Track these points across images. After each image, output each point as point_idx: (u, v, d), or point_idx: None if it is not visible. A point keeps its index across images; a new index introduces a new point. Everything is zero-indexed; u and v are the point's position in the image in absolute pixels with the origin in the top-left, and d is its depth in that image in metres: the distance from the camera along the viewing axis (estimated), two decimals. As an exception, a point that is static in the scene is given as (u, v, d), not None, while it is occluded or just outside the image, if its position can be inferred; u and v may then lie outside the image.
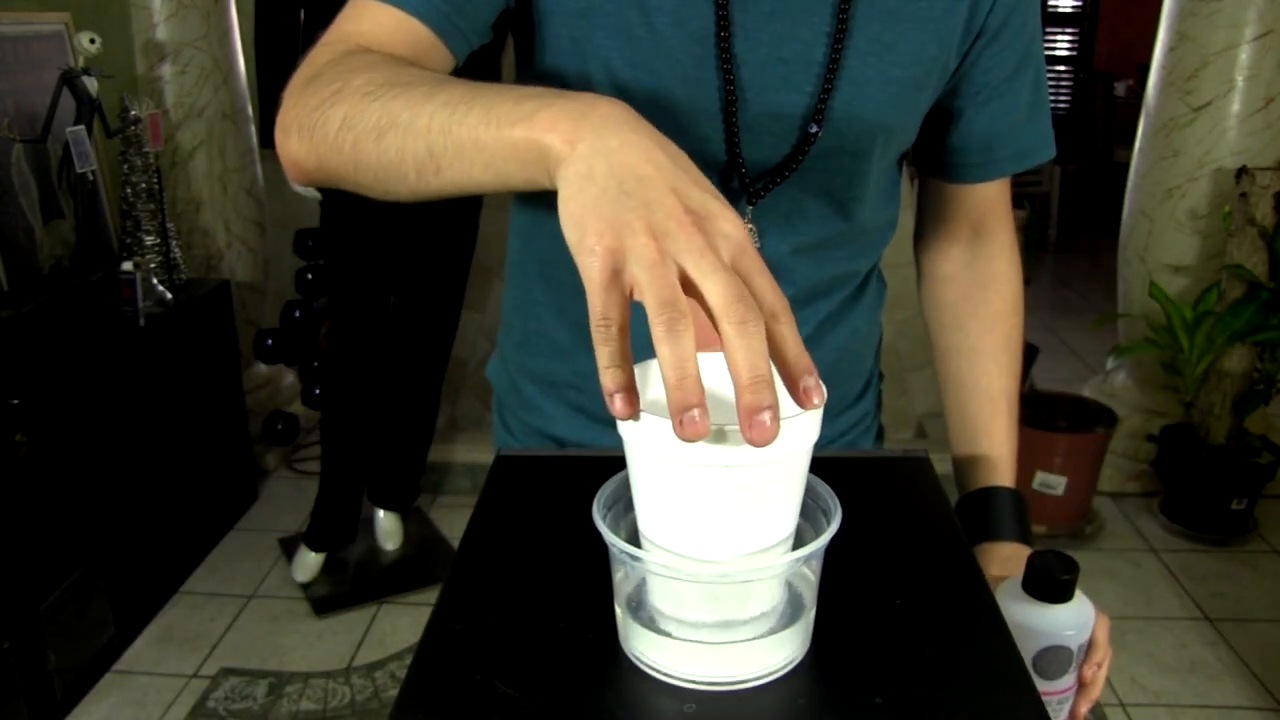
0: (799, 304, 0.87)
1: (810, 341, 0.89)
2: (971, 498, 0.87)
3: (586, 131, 0.49)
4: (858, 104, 0.77)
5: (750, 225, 0.80)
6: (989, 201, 0.91)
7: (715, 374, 0.50)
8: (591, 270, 0.45)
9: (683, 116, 0.75)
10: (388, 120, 0.56)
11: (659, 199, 0.46)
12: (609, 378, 0.44)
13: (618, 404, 0.44)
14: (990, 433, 0.89)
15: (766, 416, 0.41)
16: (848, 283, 0.90)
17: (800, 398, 0.45)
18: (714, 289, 0.43)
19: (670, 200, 0.46)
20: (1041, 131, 0.88)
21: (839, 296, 0.89)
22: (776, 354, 0.45)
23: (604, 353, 0.44)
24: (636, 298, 0.45)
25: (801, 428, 0.46)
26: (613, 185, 0.46)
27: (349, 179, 0.62)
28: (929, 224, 0.96)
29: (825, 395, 0.45)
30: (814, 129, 0.76)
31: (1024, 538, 0.83)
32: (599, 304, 0.44)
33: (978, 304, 0.92)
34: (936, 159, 0.90)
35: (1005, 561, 0.81)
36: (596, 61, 0.74)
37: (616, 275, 0.45)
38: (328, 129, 0.60)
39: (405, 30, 0.68)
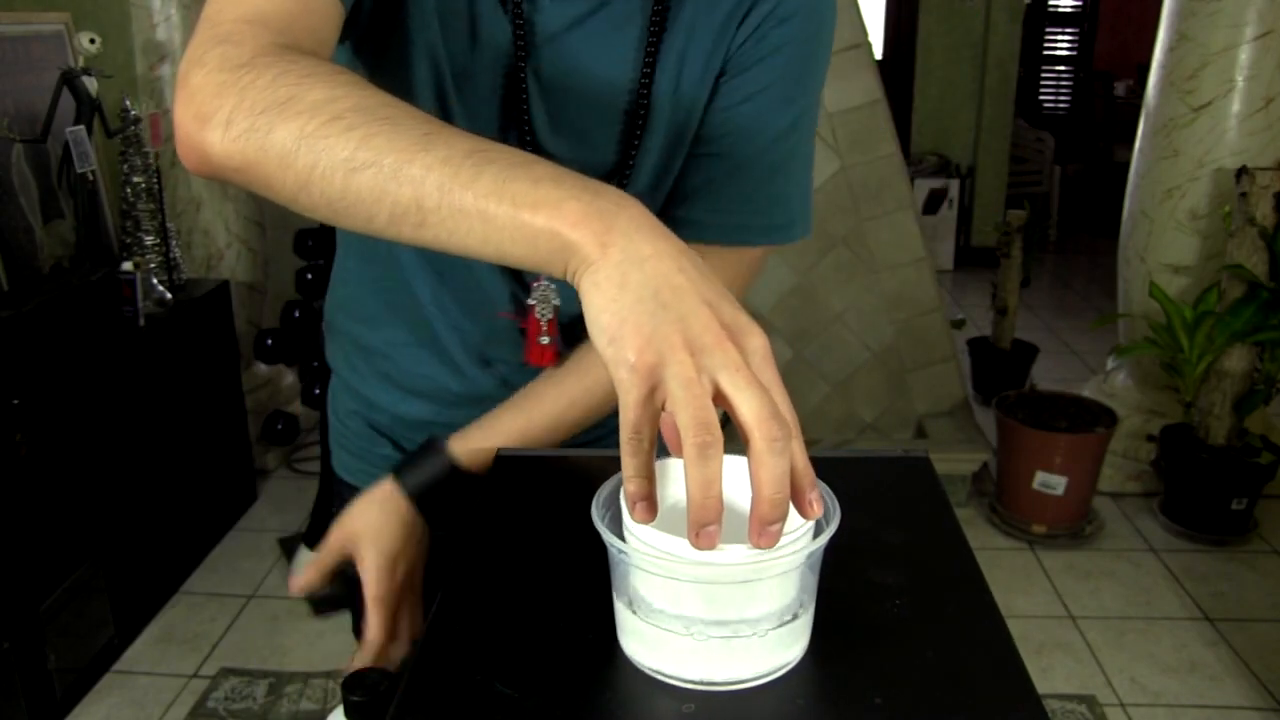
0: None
1: None
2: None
3: (618, 235, 0.49)
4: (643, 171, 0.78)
5: (544, 281, 0.81)
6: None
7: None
8: (630, 385, 0.47)
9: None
10: (368, 157, 0.52)
11: (694, 311, 0.47)
12: (634, 485, 0.48)
13: (638, 512, 0.48)
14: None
15: (776, 529, 0.46)
16: None
17: (804, 508, 0.49)
18: (748, 405, 0.46)
19: (705, 313, 0.47)
20: (779, 211, 0.82)
21: None
22: None
23: (631, 464, 0.47)
24: (669, 409, 0.46)
25: (801, 536, 0.50)
26: (648, 295, 0.47)
27: (284, 194, 0.56)
28: None
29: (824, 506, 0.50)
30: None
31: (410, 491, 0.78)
32: (633, 417, 0.46)
33: None
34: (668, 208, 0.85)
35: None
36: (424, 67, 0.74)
37: (653, 391, 0.47)
38: (275, 140, 0.54)
39: None
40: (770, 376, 0.48)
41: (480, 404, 0.85)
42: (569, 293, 0.80)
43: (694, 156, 0.80)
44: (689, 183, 0.81)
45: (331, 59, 0.64)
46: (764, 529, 0.46)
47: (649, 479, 0.48)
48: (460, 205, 0.50)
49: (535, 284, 0.81)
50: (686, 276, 0.48)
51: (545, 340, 0.82)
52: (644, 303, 0.47)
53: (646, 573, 0.51)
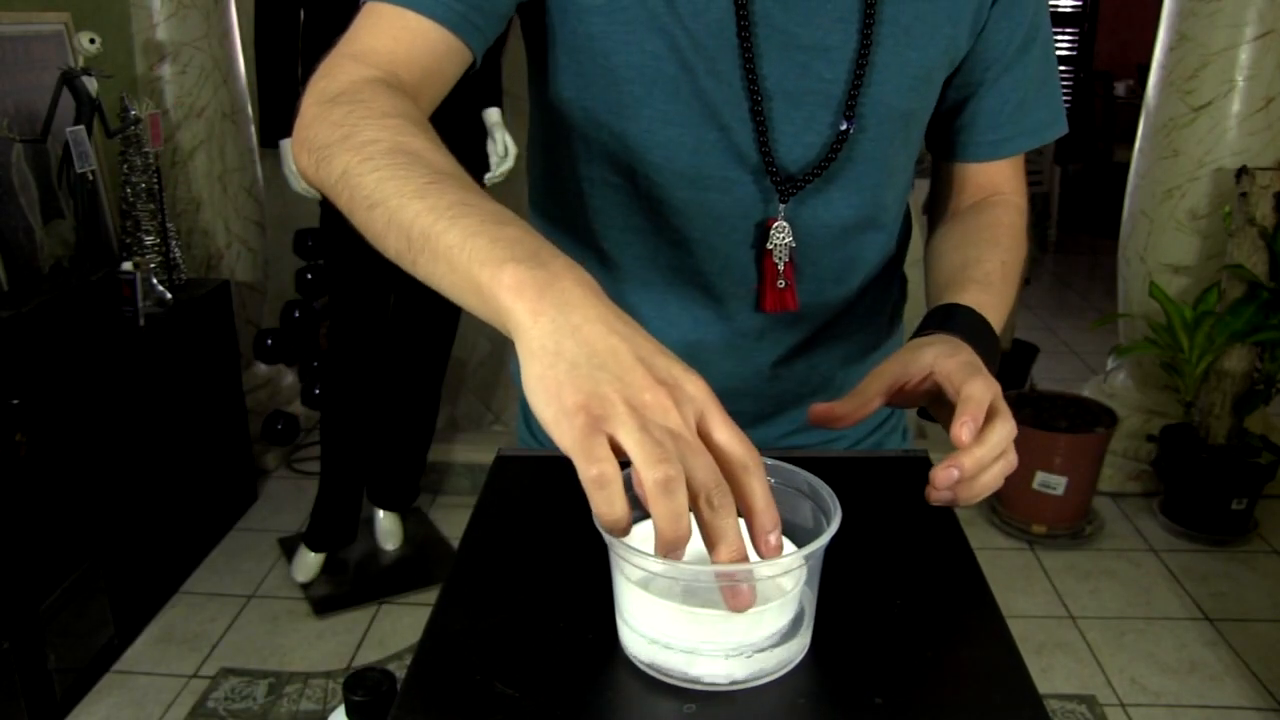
0: (828, 301, 0.87)
1: (838, 338, 0.89)
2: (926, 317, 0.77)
3: (549, 306, 0.49)
4: (881, 92, 0.77)
5: (781, 222, 0.80)
6: (1001, 177, 0.89)
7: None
8: (573, 434, 0.46)
9: (713, 109, 0.76)
10: (379, 198, 0.58)
11: (630, 370, 0.48)
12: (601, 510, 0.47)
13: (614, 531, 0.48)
14: (966, 285, 0.77)
15: (745, 586, 0.48)
16: (874, 276, 0.89)
17: (762, 548, 0.49)
18: (691, 471, 0.46)
19: (640, 371, 0.48)
20: (1052, 106, 0.87)
21: (869, 290, 0.89)
22: (745, 506, 0.49)
23: (597, 497, 0.47)
24: (629, 454, 0.47)
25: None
26: (583, 360, 0.48)
27: (345, 215, 0.63)
28: (942, 203, 0.94)
29: (783, 547, 0.50)
30: (845, 125, 0.77)
31: (967, 336, 0.70)
32: (581, 449, 0.46)
33: (972, 229, 0.87)
34: (948, 139, 0.88)
35: (918, 347, 0.69)
36: (620, 56, 0.74)
37: (597, 433, 0.46)
38: (330, 172, 0.62)
39: (423, 36, 0.69)
40: (714, 420, 0.49)
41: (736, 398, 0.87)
42: (801, 231, 0.82)
43: (976, 81, 0.84)
44: (981, 104, 0.84)
45: (443, 86, 0.71)
46: (737, 589, 0.48)
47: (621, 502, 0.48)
48: (435, 251, 0.54)
49: (773, 224, 0.80)
50: (620, 337, 0.49)
51: (782, 284, 0.82)
52: (579, 367, 0.48)
53: (647, 573, 0.51)
